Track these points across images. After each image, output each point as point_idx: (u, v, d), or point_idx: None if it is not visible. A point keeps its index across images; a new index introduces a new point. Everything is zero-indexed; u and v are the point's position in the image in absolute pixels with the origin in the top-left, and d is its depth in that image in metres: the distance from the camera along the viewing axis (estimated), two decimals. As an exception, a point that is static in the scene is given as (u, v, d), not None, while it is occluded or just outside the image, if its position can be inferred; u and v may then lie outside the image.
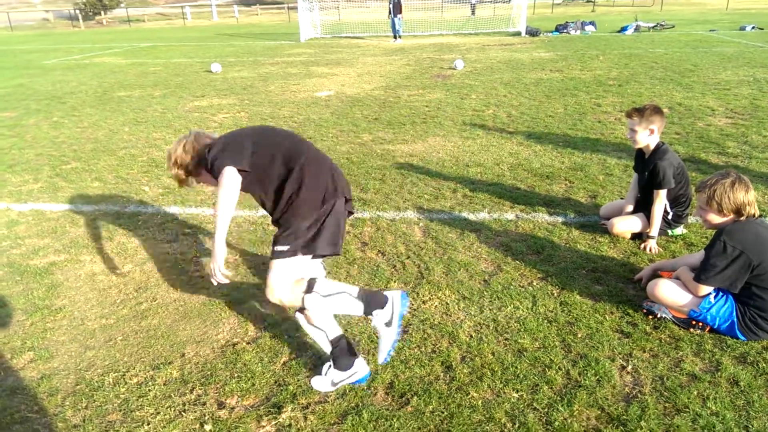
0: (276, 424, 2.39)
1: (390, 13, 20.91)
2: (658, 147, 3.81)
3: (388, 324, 2.48)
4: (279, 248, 2.48)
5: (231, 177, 2.45)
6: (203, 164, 2.58)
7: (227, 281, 2.52)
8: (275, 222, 2.63)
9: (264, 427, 2.38)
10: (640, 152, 3.99)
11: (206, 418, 2.43)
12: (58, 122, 8.31)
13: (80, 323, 3.17)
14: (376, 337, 2.56)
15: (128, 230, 4.37)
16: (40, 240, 4.24)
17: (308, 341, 2.91)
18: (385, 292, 2.54)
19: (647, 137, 3.78)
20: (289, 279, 2.48)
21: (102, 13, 47.68)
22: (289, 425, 2.37)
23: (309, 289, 2.46)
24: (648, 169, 3.79)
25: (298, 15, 23.91)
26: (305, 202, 2.49)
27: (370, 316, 2.50)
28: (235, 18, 44.45)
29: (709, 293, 2.82)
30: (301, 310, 2.58)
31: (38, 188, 5.40)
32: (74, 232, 4.35)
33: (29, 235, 4.33)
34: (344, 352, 2.56)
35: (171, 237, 4.24)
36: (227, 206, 2.43)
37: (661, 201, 3.73)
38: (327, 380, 2.58)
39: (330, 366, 2.59)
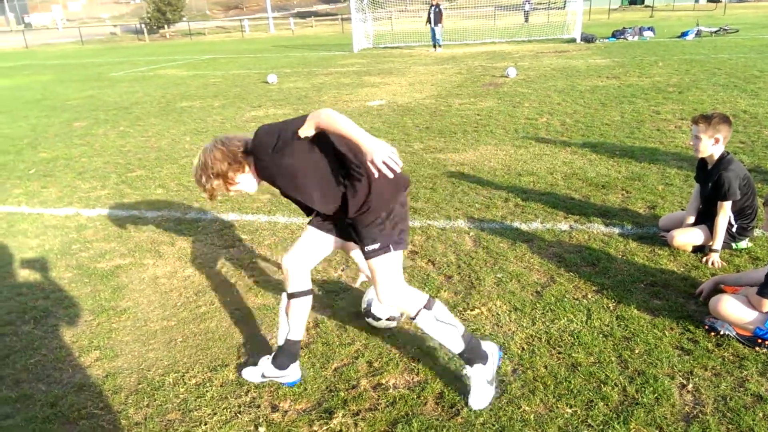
0: (327, 429, 2.43)
1: (429, 21, 20.87)
2: (722, 157, 3.66)
3: (490, 382, 2.55)
4: (370, 247, 2.37)
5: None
6: (246, 162, 2.42)
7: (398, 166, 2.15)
8: (350, 221, 2.47)
9: (315, 431, 2.43)
10: (702, 162, 3.84)
11: (260, 420, 2.50)
12: (124, 132, 8.75)
13: (143, 324, 3.32)
14: (466, 384, 2.57)
15: (189, 236, 4.55)
16: (106, 244, 4.48)
17: (359, 348, 2.95)
18: (482, 346, 2.56)
19: (711, 146, 3.64)
20: (397, 278, 2.43)
21: (165, 26, 49.83)
22: (340, 431, 2.41)
23: (429, 306, 2.46)
24: (712, 180, 3.65)
25: (351, 26, 24.27)
26: (381, 196, 2.36)
27: (467, 366, 2.54)
28: (291, 30, 45.53)
29: None
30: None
31: (105, 194, 5.70)
32: (138, 237, 4.57)
33: (97, 239, 4.57)
34: (292, 356, 2.69)
35: (229, 243, 4.39)
36: (346, 121, 2.15)
37: (725, 213, 3.58)
38: (258, 371, 2.74)
39: (270, 360, 2.71)
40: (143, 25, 48.15)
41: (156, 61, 23.10)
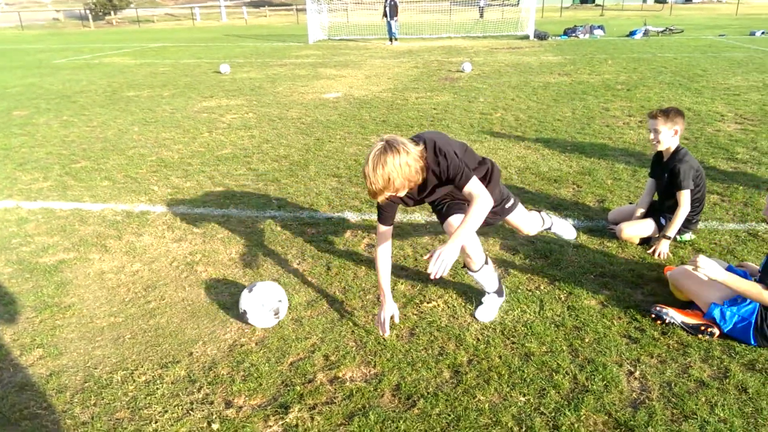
0: (283, 424, 2.40)
1: (385, 15, 20.93)
2: (678, 149, 3.81)
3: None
4: (509, 204, 3.25)
5: (485, 190, 2.64)
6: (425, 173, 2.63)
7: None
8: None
9: (271, 426, 2.39)
10: (658, 156, 3.98)
11: (214, 417, 2.44)
12: (68, 121, 8.37)
13: (89, 321, 3.19)
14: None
15: (137, 229, 4.40)
16: (49, 238, 4.27)
17: (316, 342, 2.93)
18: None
19: (670, 138, 3.78)
20: (529, 216, 3.43)
21: (112, 13, 47.97)
22: (296, 425, 2.38)
23: (544, 222, 3.60)
24: (668, 171, 3.78)
25: (306, 17, 23.98)
26: (497, 179, 3.11)
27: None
28: (244, 19, 44.62)
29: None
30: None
31: (48, 186, 5.44)
32: (83, 231, 4.38)
33: (39, 233, 4.36)
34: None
35: (179, 236, 4.26)
36: (481, 218, 2.56)
37: (685, 202, 3.69)
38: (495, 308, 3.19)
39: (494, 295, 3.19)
40: (88, 11, 46.21)
41: (101, 48, 22.21)
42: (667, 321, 2.95)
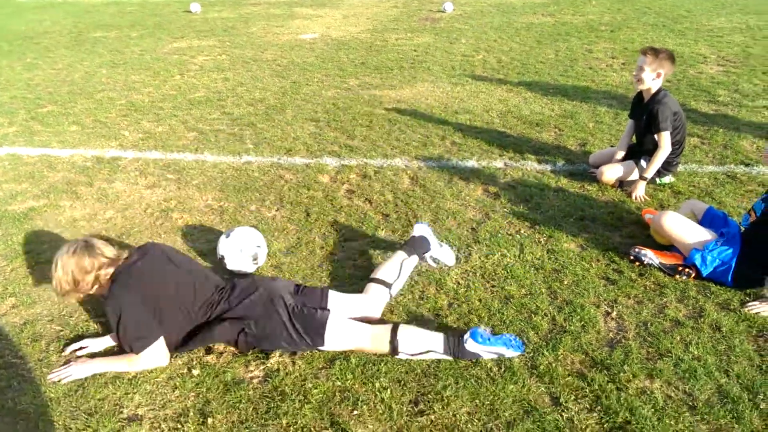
0: (264, 368, 2.39)
1: None
2: (659, 91, 3.76)
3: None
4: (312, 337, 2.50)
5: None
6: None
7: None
8: None
9: (252, 371, 2.39)
10: (638, 97, 3.93)
11: (194, 363, 2.43)
12: (31, 64, 7.97)
13: (62, 270, 3.11)
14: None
15: (108, 175, 4.26)
16: (17, 185, 4.12)
17: (295, 288, 2.90)
18: None
19: (652, 80, 3.72)
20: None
21: (74, -53, 45.23)
22: (277, 369, 2.38)
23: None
24: (646, 113, 3.74)
25: (281, -47, 22.82)
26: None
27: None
28: (215, -45, 42.49)
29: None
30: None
31: (13, 132, 5.21)
32: (53, 177, 4.23)
33: (6, 180, 4.20)
34: None
35: (153, 182, 4.14)
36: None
37: (665, 144, 3.67)
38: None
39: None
40: (48, -55, 43.46)
41: (65, -15, 21.00)
42: (645, 262, 2.98)
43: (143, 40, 9.57)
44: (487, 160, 4.42)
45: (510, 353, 2.41)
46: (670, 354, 2.42)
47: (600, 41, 8.66)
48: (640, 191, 3.73)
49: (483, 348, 2.39)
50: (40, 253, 3.26)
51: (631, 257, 3.04)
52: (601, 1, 13.24)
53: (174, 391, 2.29)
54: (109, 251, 2.45)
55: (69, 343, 2.54)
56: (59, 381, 2.32)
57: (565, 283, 2.92)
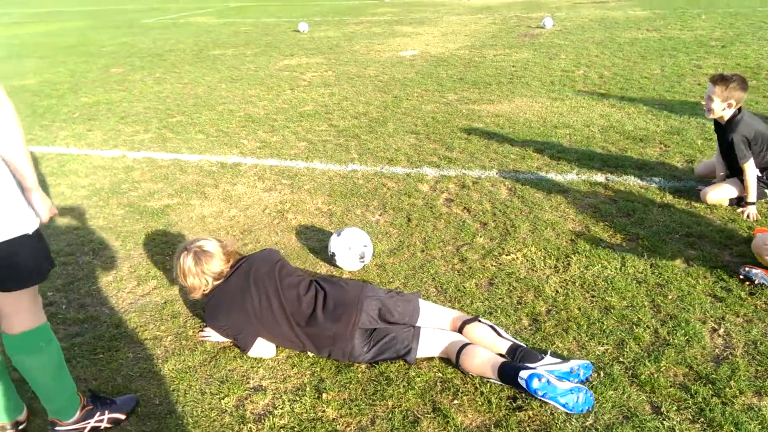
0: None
1: None
2: (732, 117, 3.67)
3: None
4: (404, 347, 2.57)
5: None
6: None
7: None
8: None
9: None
10: (716, 122, 3.85)
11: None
12: (160, 78, 8.86)
13: (194, 259, 3.51)
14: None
15: (231, 179, 4.71)
16: (154, 185, 4.66)
17: (399, 286, 3.09)
18: None
19: (722, 109, 3.66)
20: None
21: (193, -27, 49.06)
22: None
23: None
24: (725, 142, 3.69)
25: (382, -27, 23.60)
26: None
27: None
28: (318, -23, 44.49)
29: None
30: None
31: (149, 138, 5.87)
32: (183, 179, 4.75)
33: (144, 180, 4.76)
34: None
35: (269, 186, 4.53)
36: None
37: (750, 172, 3.61)
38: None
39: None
40: (171, -29, 47.44)
41: (186, 8, 22.95)
42: (756, 282, 2.90)
43: (257, 57, 10.32)
44: (588, 173, 4.42)
45: (568, 410, 2.22)
46: (781, 373, 2.36)
47: (710, 57, 8.28)
48: (751, 211, 3.62)
49: (538, 395, 2.25)
50: (174, 243, 3.70)
51: (741, 276, 2.96)
52: (712, 16, 12.60)
53: (293, 368, 2.55)
54: (217, 265, 2.66)
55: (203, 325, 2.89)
56: (205, 340, 2.72)
57: (669, 297, 2.90)
